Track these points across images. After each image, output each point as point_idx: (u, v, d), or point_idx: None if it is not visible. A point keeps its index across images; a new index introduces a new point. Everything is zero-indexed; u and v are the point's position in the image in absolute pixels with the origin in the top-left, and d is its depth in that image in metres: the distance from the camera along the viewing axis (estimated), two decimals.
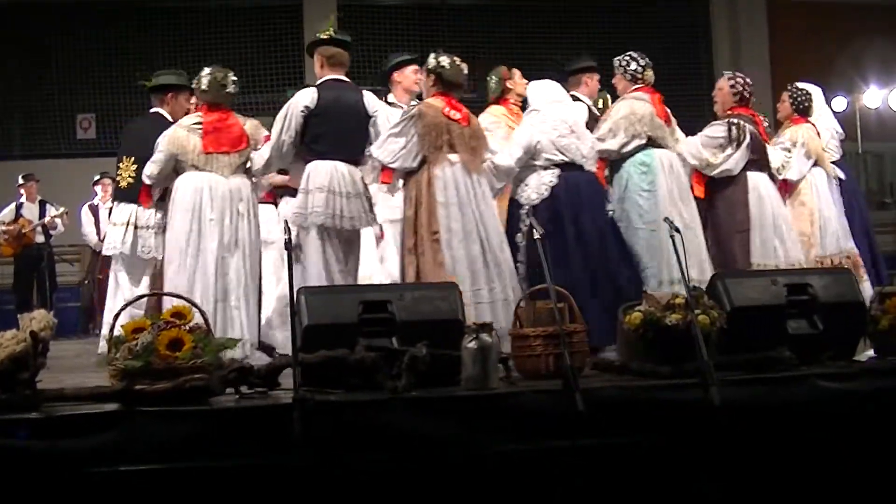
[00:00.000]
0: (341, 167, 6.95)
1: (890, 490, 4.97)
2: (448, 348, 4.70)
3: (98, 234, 13.41)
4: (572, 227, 6.96)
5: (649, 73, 7.85)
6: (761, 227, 7.72)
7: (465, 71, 7.17)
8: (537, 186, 7.09)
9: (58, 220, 13.69)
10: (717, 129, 7.95)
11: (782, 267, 7.40)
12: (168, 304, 5.66)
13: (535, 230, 5.14)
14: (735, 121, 7.87)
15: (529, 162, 7.10)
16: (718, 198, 7.90)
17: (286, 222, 4.82)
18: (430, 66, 7.11)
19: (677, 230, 5.14)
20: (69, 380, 5.31)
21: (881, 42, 17.58)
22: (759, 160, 7.92)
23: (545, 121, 7.21)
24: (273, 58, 17.47)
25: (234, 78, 7.33)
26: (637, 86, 7.83)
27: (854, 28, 18.11)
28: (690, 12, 19.23)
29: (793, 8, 19.01)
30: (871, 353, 5.68)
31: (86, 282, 13.74)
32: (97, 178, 13.73)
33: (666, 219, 5.73)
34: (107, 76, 17.22)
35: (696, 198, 7.77)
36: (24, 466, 4.07)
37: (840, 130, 9.60)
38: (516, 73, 8.69)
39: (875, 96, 17.41)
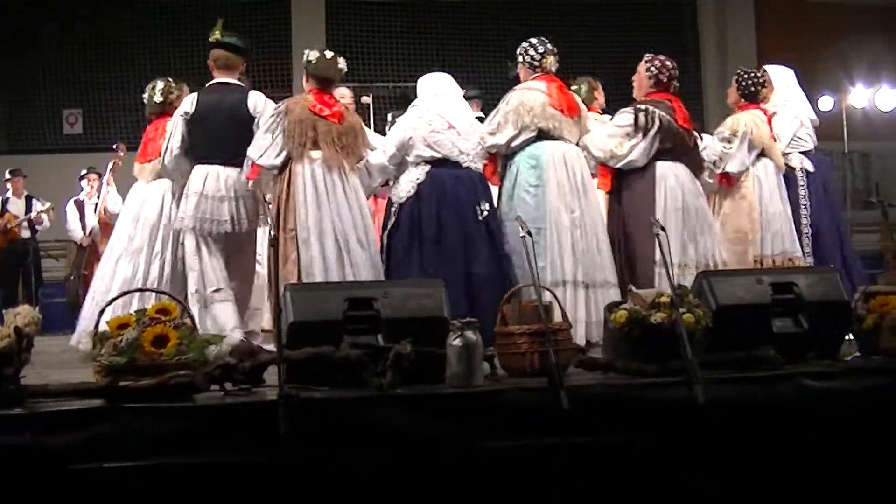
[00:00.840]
0: (215, 170, 6.94)
1: (875, 488, 4.98)
2: (433, 346, 4.69)
3: (84, 229, 13.40)
4: (432, 226, 7.01)
5: (549, 60, 7.54)
6: (666, 221, 7.10)
7: (340, 65, 7.19)
8: (406, 183, 7.14)
9: (44, 216, 13.66)
10: (624, 117, 7.55)
11: (692, 267, 7.12)
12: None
13: (521, 227, 5.14)
14: (643, 107, 7.47)
15: (405, 158, 7.14)
16: (625, 191, 7.56)
17: (270, 220, 4.83)
18: (303, 62, 7.18)
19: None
20: (54, 376, 5.28)
21: (868, 41, 17.62)
22: (672, 149, 7.48)
23: (421, 115, 7.25)
24: (260, 55, 17.43)
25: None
26: (535, 74, 7.57)
27: (841, 27, 18.15)
28: (678, 11, 19.27)
29: (780, 7, 19.05)
30: (855, 351, 5.69)
31: (71, 277, 13.69)
32: (84, 173, 13.71)
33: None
34: (94, 71, 17.19)
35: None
36: (7, 463, 4.06)
37: (814, 118, 8.86)
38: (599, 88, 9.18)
39: (862, 95, 17.44)
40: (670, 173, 7.40)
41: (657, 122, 7.36)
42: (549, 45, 7.57)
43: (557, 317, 5.28)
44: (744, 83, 8.47)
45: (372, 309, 4.92)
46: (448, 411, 4.49)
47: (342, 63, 7.18)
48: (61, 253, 15.33)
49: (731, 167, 8.10)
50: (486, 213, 7.11)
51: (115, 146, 13.07)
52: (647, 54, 7.86)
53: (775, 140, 8.35)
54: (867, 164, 19.39)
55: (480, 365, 4.70)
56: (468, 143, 7.22)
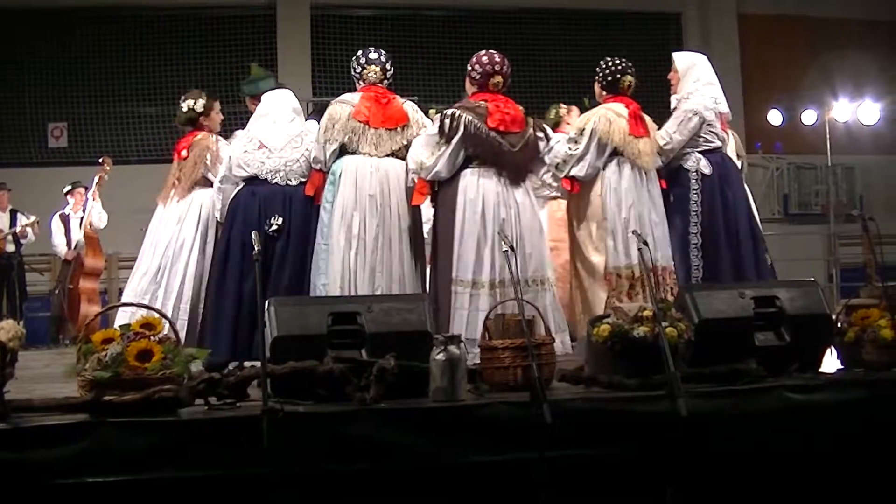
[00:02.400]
0: None
1: (857, 499, 5.01)
2: (417, 360, 4.71)
3: (69, 243, 13.38)
4: (224, 243, 7.22)
5: (370, 70, 7.19)
6: (466, 235, 6.68)
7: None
8: (225, 203, 7.34)
9: (28, 230, 13.64)
10: (434, 125, 6.98)
11: (496, 283, 6.59)
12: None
13: (503, 242, 5.17)
14: (450, 111, 6.86)
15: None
16: (437, 204, 7.05)
17: (256, 234, 4.83)
18: None
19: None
20: (38, 390, 5.30)
21: (851, 56, 17.71)
22: (483, 155, 6.78)
23: (240, 138, 7.44)
24: (246, 66, 17.45)
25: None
26: (360, 86, 7.28)
27: (824, 42, 18.25)
28: (662, 26, 19.33)
29: (763, 22, 19.14)
30: (837, 364, 5.71)
31: (56, 292, 13.67)
32: (69, 187, 13.69)
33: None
34: (79, 85, 17.17)
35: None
36: None
37: (726, 111, 7.80)
38: (574, 110, 8.96)
39: (845, 109, 17.51)
40: (472, 183, 6.77)
41: (461, 128, 6.75)
42: (371, 56, 7.24)
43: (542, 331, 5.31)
44: (601, 73, 7.54)
45: (356, 323, 4.94)
46: (431, 425, 4.49)
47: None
48: (46, 267, 15.32)
49: (577, 170, 7.21)
50: (274, 227, 7.04)
51: (100, 160, 13.05)
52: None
53: (644, 134, 7.33)
54: (851, 178, 19.47)
55: (464, 379, 4.71)
56: (280, 160, 7.19)
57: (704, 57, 7.80)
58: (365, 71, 7.21)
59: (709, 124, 7.50)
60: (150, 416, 4.26)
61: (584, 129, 7.25)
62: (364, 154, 6.96)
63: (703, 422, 4.72)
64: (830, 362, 5.67)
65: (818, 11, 19.02)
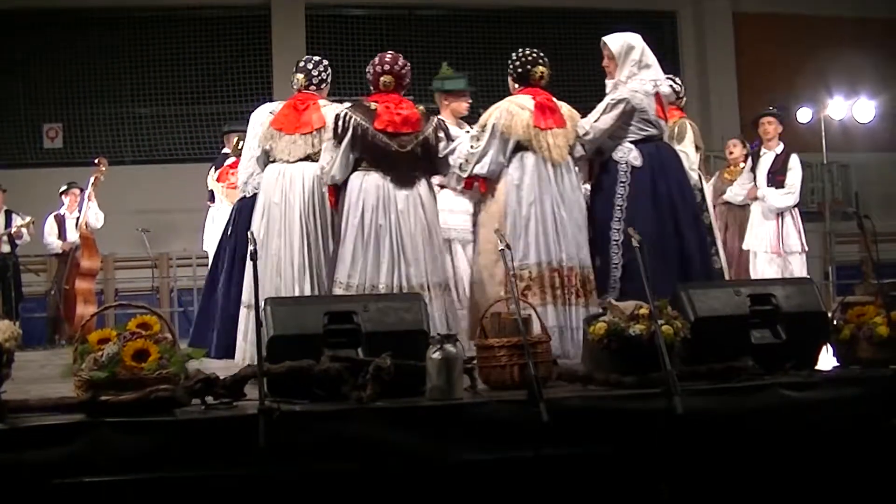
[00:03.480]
0: None
1: (852, 496, 5.02)
2: (413, 359, 4.71)
3: (64, 244, 13.36)
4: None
5: (295, 78, 7.05)
6: (346, 238, 6.52)
7: None
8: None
9: (24, 230, 13.60)
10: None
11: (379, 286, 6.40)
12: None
13: (500, 240, 5.18)
14: (342, 112, 6.65)
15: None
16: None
17: (251, 233, 4.84)
18: None
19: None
20: (35, 390, 5.29)
21: (846, 54, 17.72)
22: (369, 156, 6.56)
23: None
24: (241, 66, 17.45)
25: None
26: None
27: (819, 40, 18.25)
28: (657, 25, 19.33)
29: (759, 21, 19.15)
30: (833, 362, 5.72)
31: (52, 292, 13.65)
32: (64, 188, 13.66)
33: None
34: (74, 85, 17.13)
35: None
36: None
37: (667, 91, 7.31)
38: None
39: (840, 107, 17.52)
40: (356, 186, 6.57)
41: (349, 130, 6.55)
42: (300, 63, 7.10)
43: (537, 329, 5.31)
44: (512, 65, 7.02)
45: (352, 322, 4.95)
46: (428, 424, 4.50)
47: None
48: (41, 268, 15.30)
49: (479, 168, 6.75)
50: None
51: (96, 161, 13.04)
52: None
53: (555, 126, 6.81)
54: (846, 175, 19.47)
55: (460, 378, 4.71)
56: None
57: (638, 36, 7.20)
58: (295, 76, 7.10)
59: (641, 112, 6.86)
60: (146, 416, 4.28)
61: (485, 125, 6.81)
62: (279, 161, 6.83)
63: (700, 419, 4.74)
64: (826, 360, 5.68)
65: (813, 9, 19.02)
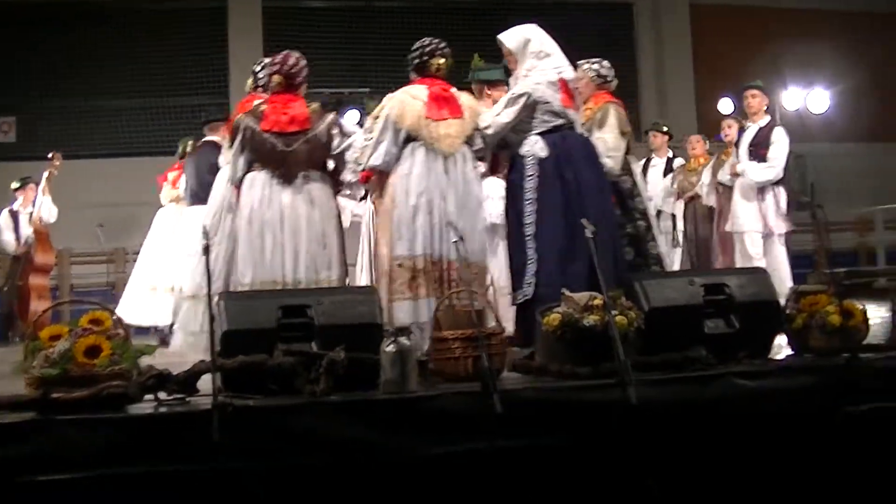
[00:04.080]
0: None
1: (806, 485, 5.05)
2: (367, 352, 4.71)
3: (18, 239, 13.24)
4: None
5: (247, 82, 7.20)
6: (241, 239, 6.59)
7: None
8: None
9: None
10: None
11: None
12: None
13: (454, 233, 5.17)
14: (237, 117, 6.82)
15: None
16: None
17: (204, 227, 4.82)
18: None
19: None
20: None
21: (800, 45, 17.84)
22: (258, 158, 6.63)
23: None
24: (198, 60, 17.36)
25: None
26: None
27: (774, 31, 18.37)
28: (613, 17, 19.38)
29: (714, 11, 19.24)
30: (787, 350, 5.76)
31: (5, 289, 13.53)
32: (18, 184, 13.52)
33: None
34: (27, 79, 16.98)
35: None
36: None
37: (568, 76, 6.86)
38: None
39: (795, 98, 17.63)
40: (247, 186, 6.66)
41: (240, 133, 6.69)
42: (260, 65, 7.40)
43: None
44: (411, 56, 7.01)
45: (306, 316, 4.93)
46: (382, 417, 4.50)
47: None
48: None
49: (374, 160, 6.62)
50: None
51: (50, 155, 12.93)
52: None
53: (451, 117, 6.70)
54: (802, 166, 19.58)
55: (414, 370, 4.71)
56: None
57: (535, 27, 7.01)
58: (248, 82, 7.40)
59: (544, 103, 6.64)
60: (98, 412, 4.24)
61: (378, 117, 6.74)
62: None
63: (654, 409, 4.76)
64: (780, 348, 5.71)
65: (768, 1, 19.14)
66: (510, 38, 6.89)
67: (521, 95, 6.63)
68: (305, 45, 16.42)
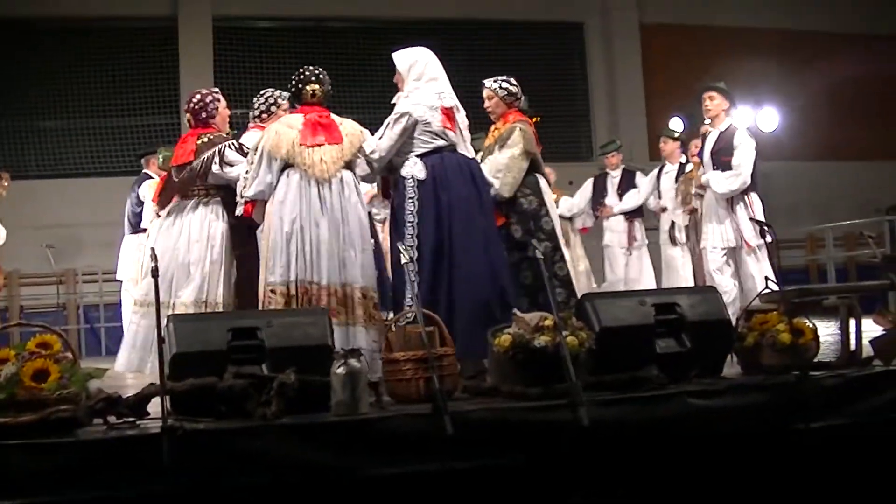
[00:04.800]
0: None
1: (760, 500, 5.08)
2: (318, 374, 4.69)
3: None
4: None
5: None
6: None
7: None
8: None
9: None
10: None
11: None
12: None
13: (403, 254, 5.17)
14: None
15: None
16: None
17: (153, 249, 4.79)
18: None
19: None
20: None
21: (750, 64, 17.95)
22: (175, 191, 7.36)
23: None
24: (148, 79, 17.24)
25: None
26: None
27: (724, 51, 18.46)
28: (564, 36, 19.46)
29: (664, 31, 19.35)
30: (738, 369, 5.79)
31: None
32: None
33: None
34: None
35: None
36: None
37: (448, 105, 6.86)
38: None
39: (745, 116, 17.74)
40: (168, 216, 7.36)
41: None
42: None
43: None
44: (289, 86, 7.06)
45: (256, 338, 4.91)
46: (333, 439, 4.48)
47: None
48: None
49: (251, 191, 6.70)
50: None
51: None
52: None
53: (327, 143, 6.67)
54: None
55: (365, 392, 4.70)
56: None
57: (425, 50, 7.14)
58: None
59: (424, 124, 6.70)
60: (46, 437, 4.20)
61: (257, 147, 6.78)
62: None
63: (607, 429, 4.76)
64: (731, 367, 5.74)
65: (718, 21, 19.27)
66: (400, 58, 7.04)
67: (402, 115, 6.71)
68: (256, 64, 16.45)
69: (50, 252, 15.17)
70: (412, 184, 6.66)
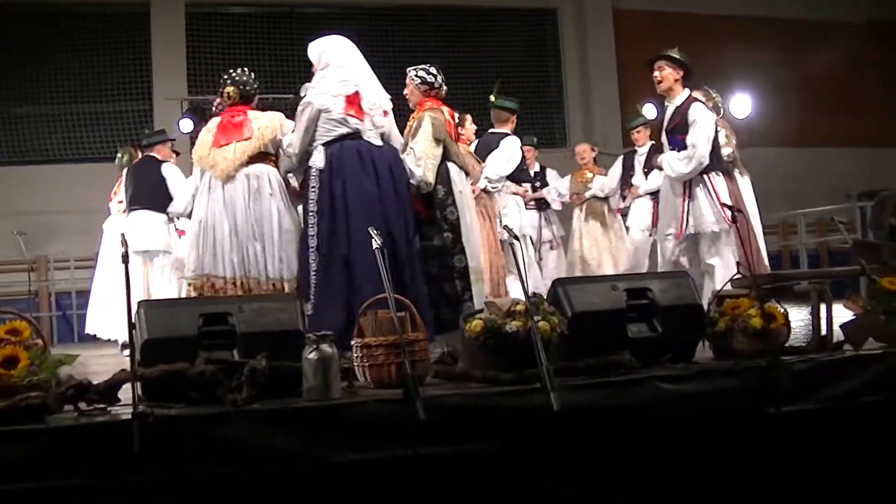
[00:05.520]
0: None
1: (729, 488, 5.09)
2: (289, 359, 4.68)
3: None
4: None
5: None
6: None
7: None
8: None
9: None
10: None
11: None
12: None
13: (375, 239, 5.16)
14: None
15: None
16: None
17: (122, 235, 4.76)
18: None
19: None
20: None
21: (723, 50, 18.01)
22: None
23: None
24: (120, 64, 17.15)
25: None
26: None
27: (697, 37, 18.48)
28: (538, 22, 19.47)
29: (638, 17, 19.40)
30: (709, 354, 5.80)
31: None
32: None
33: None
34: None
35: None
36: None
37: (349, 92, 6.83)
38: (467, 118, 9.01)
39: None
40: None
41: None
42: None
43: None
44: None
45: (227, 324, 4.90)
46: (305, 425, 4.47)
47: None
48: None
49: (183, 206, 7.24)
50: None
51: None
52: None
53: (234, 141, 6.90)
54: None
55: (337, 378, 4.69)
56: None
57: (336, 38, 7.19)
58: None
59: (325, 112, 6.73)
60: (16, 424, 4.17)
61: None
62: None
63: (577, 414, 4.77)
64: (702, 352, 5.76)
65: (691, 7, 19.35)
66: (311, 48, 7.17)
67: (305, 106, 6.81)
68: (229, 51, 16.40)
69: (21, 239, 15.10)
70: (314, 173, 6.75)
